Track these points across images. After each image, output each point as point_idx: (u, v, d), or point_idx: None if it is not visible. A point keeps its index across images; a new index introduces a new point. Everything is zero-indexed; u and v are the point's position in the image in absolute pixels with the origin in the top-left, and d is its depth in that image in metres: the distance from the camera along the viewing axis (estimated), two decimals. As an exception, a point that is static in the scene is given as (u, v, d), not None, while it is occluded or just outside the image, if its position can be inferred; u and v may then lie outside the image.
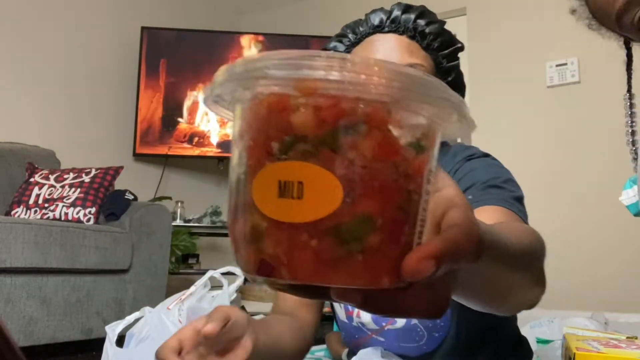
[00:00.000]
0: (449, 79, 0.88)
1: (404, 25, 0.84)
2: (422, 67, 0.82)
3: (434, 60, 0.86)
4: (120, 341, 0.90)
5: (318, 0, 3.75)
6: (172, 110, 3.36)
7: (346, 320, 0.94)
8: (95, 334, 2.03)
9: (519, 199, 0.79)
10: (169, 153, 3.30)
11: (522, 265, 0.46)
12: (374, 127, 0.27)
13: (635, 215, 1.21)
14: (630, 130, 0.74)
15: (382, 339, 0.89)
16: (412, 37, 0.84)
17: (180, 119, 3.36)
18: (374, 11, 0.88)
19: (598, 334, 1.01)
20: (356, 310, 0.90)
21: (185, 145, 3.35)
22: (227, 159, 3.41)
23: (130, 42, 3.35)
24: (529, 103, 2.90)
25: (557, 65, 2.84)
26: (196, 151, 3.36)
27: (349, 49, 0.88)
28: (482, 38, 3.08)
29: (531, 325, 1.73)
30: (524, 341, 1.00)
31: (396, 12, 0.85)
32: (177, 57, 3.40)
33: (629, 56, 0.74)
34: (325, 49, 0.91)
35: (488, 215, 0.69)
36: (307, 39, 3.46)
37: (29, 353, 1.78)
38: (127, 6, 3.37)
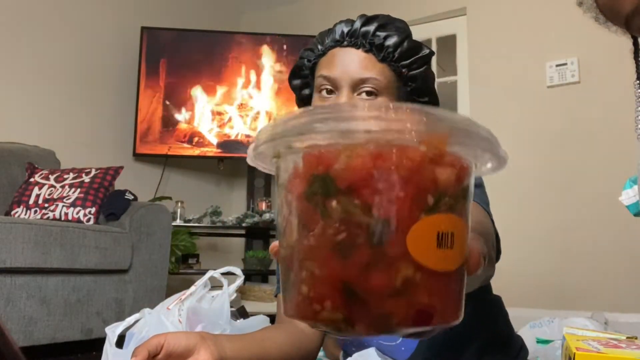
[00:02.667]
0: (414, 85, 0.89)
1: (361, 39, 0.86)
2: (376, 80, 0.84)
3: (393, 70, 0.87)
4: (120, 341, 0.90)
5: (318, 0, 3.75)
6: (172, 111, 3.36)
7: None
8: (95, 334, 2.03)
9: (487, 203, 0.84)
10: (169, 153, 3.30)
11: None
12: (470, 181, 0.33)
13: (635, 215, 1.21)
14: (639, 117, 0.74)
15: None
16: (368, 51, 0.86)
17: (180, 119, 3.36)
18: (339, 22, 0.90)
19: (598, 334, 1.00)
20: None
21: (185, 145, 3.35)
22: (227, 159, 3.42)
23: (130, 42, 3.35)
24: (529, 103, 2.90)
25: (557, 65, 2.84)
26: (196, 151, 3.36)
27: (316, 60, 0.91)
28: (482, 38, 3.08)
29: (531, 325, 1.73)
30: (514, 340, 1.00)
31: (356, 25, 0.88)
32: (177, 57, 3.40)
33: (636, 45, 0.74)
34: (301, 57, 0.95)
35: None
36: (307, 39, 3.46)
37: (29, 353, 1.77)
38: (127, 6, 3.37)
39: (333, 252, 0.28)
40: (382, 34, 0.86)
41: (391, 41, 0.86)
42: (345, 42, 0.87)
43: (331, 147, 0.29)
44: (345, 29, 0.88)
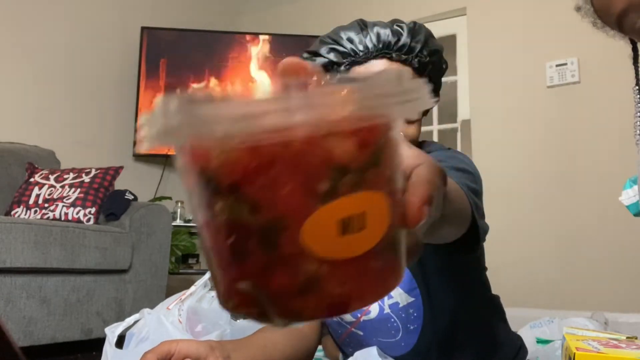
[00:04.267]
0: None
1: (410, 55, 0.85)
2: None
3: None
4: (120, 341, 0.90)
5: (318, 0, 3.75)
6: (172, 110, 3.35)
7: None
8: (95, 334, 2.03)
9: (475, 191, 0.81)
10: (169, 153, 3.29)
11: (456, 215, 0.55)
12: (390, 137, 0.27)
13: (635, 215, 1.22)
14: (638, 122, 0.74)
15: (360, 333, 0.92)
16: (414, 69, 0.86)
17: (180, 119, 3.36)
18: (375, 25, 0.87)
19: (598, 334, 1.00)
20: None
21: (185, 145, 3.34)
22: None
23: (130, 42, 3.35)
24: (529, 103, 2.90)
25: (557, 65, 2.84)
26: (196, 151, 3.36)
27: (350, 65, 0.87)
28: (482, 38, 3.08)
29: (531, 325, 1.73)
30: (512, 339, 1.00)
31: (405, 39, 0.86)
32: (177, 57, 3.40)
33: (635, 50, 0.74)
34: (316, 54, 0.91)
35: None
36: (307, 38, 3.46)
37: (29, 353, 1.78)
38: (127, 6, 3.37)
39: (230, 255, 0.26)
40: (426, 51, 0.86)
41: (434, 59, 0.87)
42: (394, 56, 0.85)
43: (204, 141, 0.24)
44: (392, 39, 0.85)
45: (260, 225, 0.25)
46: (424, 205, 0.28)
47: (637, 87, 0.74)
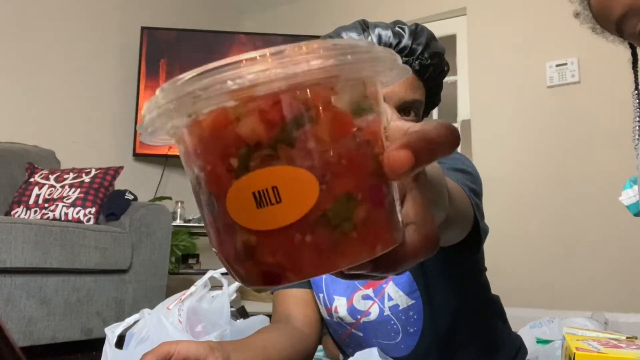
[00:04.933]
0: (430, 100, 0.91)
1: (412, 57, 0.86)
2: (420, 103, 0.86)
3: (426, 88, 0.89)
4: (119, 341, 0.90)
5: (318, 0, 3.75)
6: (172, 110, 3.36)
7: (328, 318, 0.96)
8: (95, 334, 2.03)
9: (475, 192, 0.82)
10: (169, 153, 3.30)
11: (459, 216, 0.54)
12: (320, 111, 0.27)
13: (635, 215, 1.22)
14: (637, 127, 0.74)
15: (360, 334, 0.92)
16: (416, 71, 0.86)
17: (180, 119, 3.36)
18: (376, 27, 0.87)
19: (598, 334, 1.00)
20: (334, 306, 0.93)
21: (185, 145, 3.34)
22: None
23: (130, 42, 3.35)
24: (529, 103, 2.90)
25: (557, 65, 2.84)
26: (196, 151, 3.36)
27: None
28: (482, 38, 3.08)
29: (531, 325, 1.73)
30: (512, 340, 1.01)
31: (406, 41, 0.86)
32: (177, 57, 3.40)
33: (634, 55, 0.74)
34: None
35: None
36: (307, 39, 3.46)
37: (29, 353, 1.78)
38: (127, 6, 3.37)
39: (205, 226, 0.31)
40: (427, 53, 0.86)
41: (435, 61, 0.87)
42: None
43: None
44: (394, 41, 0.86)
45: (206, 199, 0.29)
46: (401, 149, 0.27)
47: (636, 92, 0.74)
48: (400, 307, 0.88)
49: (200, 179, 0.29)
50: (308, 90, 0.27)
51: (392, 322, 0.88)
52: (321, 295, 0.95)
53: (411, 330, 0.88)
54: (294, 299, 0.97)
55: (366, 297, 0.90)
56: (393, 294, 0.88)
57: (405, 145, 0.27)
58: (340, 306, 0.92)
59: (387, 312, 0.88)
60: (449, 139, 0.28)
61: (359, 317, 0.90)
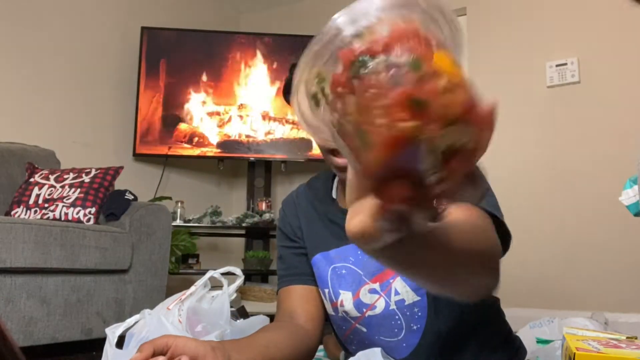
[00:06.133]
0: None
1: None
2: None
3: None
4: (120, 341, 0.90)
5: (318, 0, 3.75)
6: (172, 110, 3.36)
7: (333, 313, 0.97)
8: (95, 334, 2.03)
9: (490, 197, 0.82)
10: (169, 153, 3.30)
11: (466, 259, 0.51)
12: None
13: (635, 215, 1.22)
14: None
15: (364, 329, 0.92)
16: None
17: (180, 119, 3.36)
18: None
19: (598, 334, 1.01)
20: (340, 300, 0.94)
21: (185, 145, 3.35)
22: (227, 159, 3.42)
23: (130, 42, 3.35)
24: (529, 103, 2.90)
25: (557, 65, 2.84)
26: (196, 151, 3.36)
27: None
28: (482, 38, 3.08)
29: (531, 325, 1.73)
30: (513, 339, 1.01)
31: None
32: (177, 57, 3.40)
33: None
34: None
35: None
36: (307, 39, 3.45)
37: (29, 353, 1.77)
38: (127, 6, 3.37)
39: None
40: None
41: None
42: None
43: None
44: None
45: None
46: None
47: None
48: (406, 302, 0.89)
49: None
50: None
51: (397, 317, 0.89)
52: (326, 290, 0.96)
53: (414, 327, 0.89)
54: (298, 296, 0.98)
55: (372, 291, 0.91)
56: (400, 288, 0.89)
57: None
58: (346, 300, 0.93)
59: (392, 306, 0.89)
60: None
61: (364, 310, 0.91)
